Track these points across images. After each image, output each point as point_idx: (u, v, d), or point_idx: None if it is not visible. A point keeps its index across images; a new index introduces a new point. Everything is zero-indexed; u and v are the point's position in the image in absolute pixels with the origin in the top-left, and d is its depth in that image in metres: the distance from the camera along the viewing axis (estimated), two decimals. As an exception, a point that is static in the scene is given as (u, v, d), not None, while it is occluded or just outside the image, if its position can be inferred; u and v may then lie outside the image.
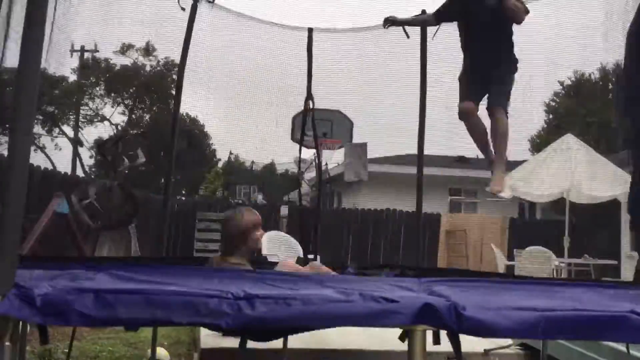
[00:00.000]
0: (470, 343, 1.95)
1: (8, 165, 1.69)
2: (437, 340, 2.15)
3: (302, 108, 5.28)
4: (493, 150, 4.25)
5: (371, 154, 7.41)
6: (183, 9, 4.51)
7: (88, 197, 4.65)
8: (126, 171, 5.10)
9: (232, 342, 3.66)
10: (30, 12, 1.75)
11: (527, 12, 3.95)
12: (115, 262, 3.19)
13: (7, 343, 1.80)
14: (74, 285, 1.76)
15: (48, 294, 1.66)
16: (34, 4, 1.77)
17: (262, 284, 2.00)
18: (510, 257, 11.07)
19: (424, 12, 4.82)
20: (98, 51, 21.37)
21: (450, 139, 5.27)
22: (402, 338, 1.99)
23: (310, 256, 6.10)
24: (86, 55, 22.86)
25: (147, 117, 23.82)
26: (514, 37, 4.15)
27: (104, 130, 22.88)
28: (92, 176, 21.81)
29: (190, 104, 5.74)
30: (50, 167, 16.09)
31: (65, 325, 1.77)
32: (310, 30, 5.35)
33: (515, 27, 4.10)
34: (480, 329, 1.70)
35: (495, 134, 4.15)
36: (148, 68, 22.41)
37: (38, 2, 1.78)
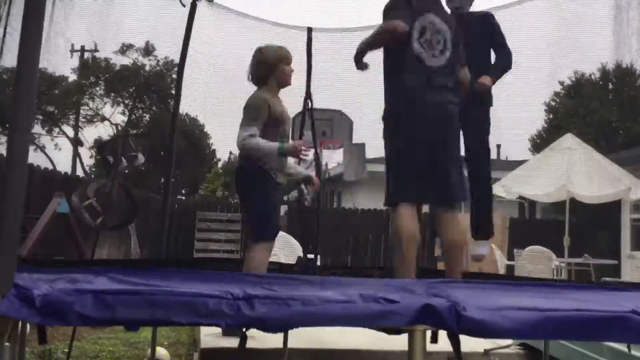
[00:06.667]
0: (470, 343, 1.95)
1: (7, 165, 1.69)
2: (434, 339, 2.15)
3: (302, 108, 5.29)
4: None
5: (371, 154, 7.39)
6: (184, 5, 4.52)
7: (89, 198, 4.65)
8: (126, 171, 5.08)
9: (232, 342, 3.65)
10: (27, 11, 1.75)
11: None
12: (115, 265, 3.19)
13: (7, 343, 1.80)
14: (73, 287, 1.76)
15: (47, 294, 1.66)
16: (31, 3, 1.76)
17: (262, 285, 1.99)
18: (510, 257, 11.04)
19: None
20: (98, 51, 21.35)
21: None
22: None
23: (310, 256, 6.10)
24: (86, 55, 22.84)
25: (147, 117, 23.78)
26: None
27: (104, 130, 22.88)
28: (92, 176, 21.79)
29: (190, 104, 5.73)
30: (50, 167, 16.08)
31: (65, 326, 1.77)
32: (309, 30, 5.34)
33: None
34: (481, 330, 1.70)
35: None
36: (148, 68, 22.38)
37: (35, 1, 1.77)
